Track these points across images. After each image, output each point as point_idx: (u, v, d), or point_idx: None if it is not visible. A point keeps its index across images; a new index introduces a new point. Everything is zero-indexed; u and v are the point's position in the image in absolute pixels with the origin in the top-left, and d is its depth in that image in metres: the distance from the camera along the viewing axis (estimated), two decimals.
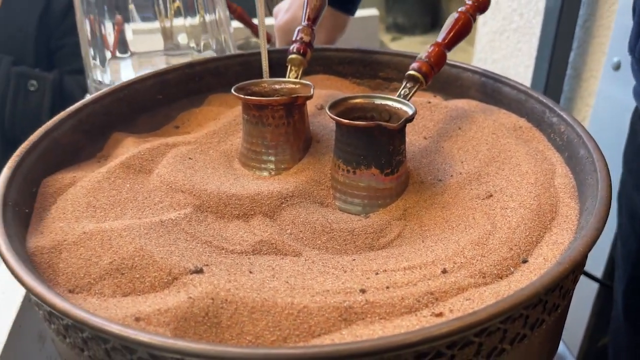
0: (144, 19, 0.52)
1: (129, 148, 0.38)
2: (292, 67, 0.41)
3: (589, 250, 0.23)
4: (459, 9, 0.39)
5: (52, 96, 0.91)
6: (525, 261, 0.26)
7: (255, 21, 0.87)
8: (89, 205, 0.31)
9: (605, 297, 0.75)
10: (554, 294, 0.23)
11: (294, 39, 0.42)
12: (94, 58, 0.49)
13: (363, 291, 0.24)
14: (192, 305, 0.23)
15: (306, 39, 0.41)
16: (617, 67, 0.66)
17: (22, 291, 0.38)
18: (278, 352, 0.19)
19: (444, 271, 0.25)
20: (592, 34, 0.71)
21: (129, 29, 0.51)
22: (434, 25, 2.72)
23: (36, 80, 0.91)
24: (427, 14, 2.63)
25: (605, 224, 0.25)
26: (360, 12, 0.93)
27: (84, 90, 0.95)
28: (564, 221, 0.28)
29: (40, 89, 0.90)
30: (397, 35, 2.68)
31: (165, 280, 0.25)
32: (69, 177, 0.34)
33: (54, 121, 0.36)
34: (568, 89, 0.76)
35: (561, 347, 0.51)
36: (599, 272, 0.75)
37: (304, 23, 0.42)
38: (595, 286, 0.76)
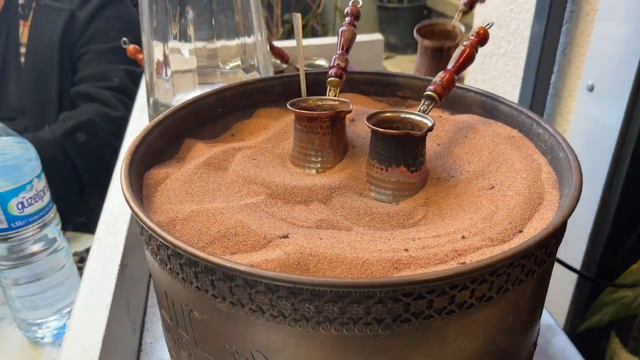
0: (199, 39, 0.60)
1: (202, 151, 0.46)
2: (331, 88, 0.50)
3: (566, 220, 0.33)
4: (464, 43, 0.48)
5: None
6: (520, 231, 0.35)
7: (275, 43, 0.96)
8: (187, 192, 0.39)
9: (583, 288, 0.85)
10: (541, 251, 0.32)
11: (331, 64, 0.51)
12: (159, 76, 0.58)
13: (406, 250, 0.33)
14: (288, 257, 0.32)
15: (342, 64, 0.50)
16: (591, 88, 0.76)
17: (116, 265, 0.46)
18: (361, 281, 0.28)
19: (463, 237, 0.34)
20: (570, 59, 0.82)
21: (186, 48, 0.60)
22: None
23: (108, 107, 0.97)
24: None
25: (577, 203, 0.34)
26: (366, 37, 1.03)
27: (133, 82, 1.03)
28: (549, 204, 0.37)
29: (121, 111, 0.97)
30: (390, 54, 2.79)
31: (262, 242, 0.34)
32: (162, 172, 0.42)
33: (146, 129, 0.44)
34: (550, 106, 0.87)
35: (551, 321, 0.60)
36: (577, 265, 0.84)
37: (339, 52, 0.52)
38: (574, 277, 0.85)
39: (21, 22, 1.06)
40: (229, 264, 0.29)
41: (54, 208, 0.61)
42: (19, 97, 1.09)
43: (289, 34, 2.77)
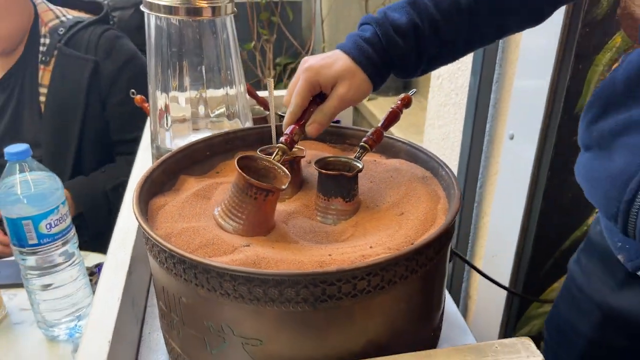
0: (193, 89, 0.75)
1: (192, 185, 0.61)
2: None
3: (438, 237, 0.47)
4: (392, 106, 0.64)
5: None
6: (412, 244, 0.49)
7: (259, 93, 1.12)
8: (180, 215, 0.54)
9: (512, 303, 0.98)
10: (422, 255, 0.46)
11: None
12: (161, 125, 0.73)
13: (330, 255, 0.47)
14: (247, 259, 0.46)
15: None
16: (511, 137, 0.92)
17: (125, 271, 0.60)
18: (294, 272, 0.42)
19: (371, 247, 0.48)
20: (499, 112, 0.97)
21: (183, 97, 0.75)
22: (405, 87, 3.02)
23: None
24: (397, 78, 2.94)
25: (450, 226, 0.48)
26: None
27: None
28: (436, 226, 0.52)
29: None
30: (372, 96, 2.97)
31: (230, 249, 0.48)
32: (162, 200, 0.57)
33: (151, 168, 0.59)
34: (486, 150, 1.02)
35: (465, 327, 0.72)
36: (506, 283, 0.98)
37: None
38: (505, 294, 0.98)
39: (41, 67, 1.21)
40: (206, 262, 0.43)
41: (74, 228, 0.75)
42: (33, 132, 1.23)
43: (279, 77, 2.96)
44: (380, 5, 2.75)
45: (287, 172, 0.53)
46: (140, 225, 0.48)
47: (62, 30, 1.17)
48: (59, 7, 1.21)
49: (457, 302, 1.21)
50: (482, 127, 0.99)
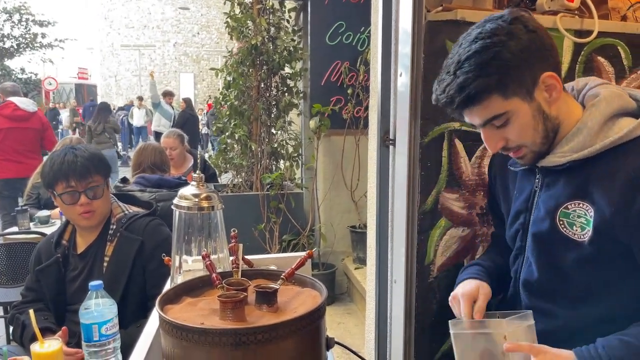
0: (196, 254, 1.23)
1: (189, 300, 1.05)
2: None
3: (301, 318, 0.90)
4: (301, 257, 1.11)
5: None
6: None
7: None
8: (180, 311, 0.98)
9: None
10: (292, 326, 0.89)
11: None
12: (178, 273, 1.20)
13: (252, 324, 0.90)
14: (208, 325, 0.89)
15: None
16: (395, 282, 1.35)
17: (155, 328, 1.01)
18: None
19: (274, 323, 0.91)
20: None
21: (190, 259, 1.23)
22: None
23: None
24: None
25: (313, 311, 0.92)
26: (300, 253, 1.66)
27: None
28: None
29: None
30: (359, 266, 3.43)
31: (199, 323, 0.91)
32: (171, 306, 1.01)
33: (167, 290, 1.04)
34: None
35: None
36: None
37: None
38: None
39: (108, 243, 1.73)
40: (186, 324, 0.87)
41: (119, 334, 1.17)
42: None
43: (284, 249, 3.47)
44: (362, 191, 3.34)
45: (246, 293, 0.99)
46: (159, 314, 0.93)
47: (124, 220, 1.72)
48: (125, 204, 1.79)
49: None
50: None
